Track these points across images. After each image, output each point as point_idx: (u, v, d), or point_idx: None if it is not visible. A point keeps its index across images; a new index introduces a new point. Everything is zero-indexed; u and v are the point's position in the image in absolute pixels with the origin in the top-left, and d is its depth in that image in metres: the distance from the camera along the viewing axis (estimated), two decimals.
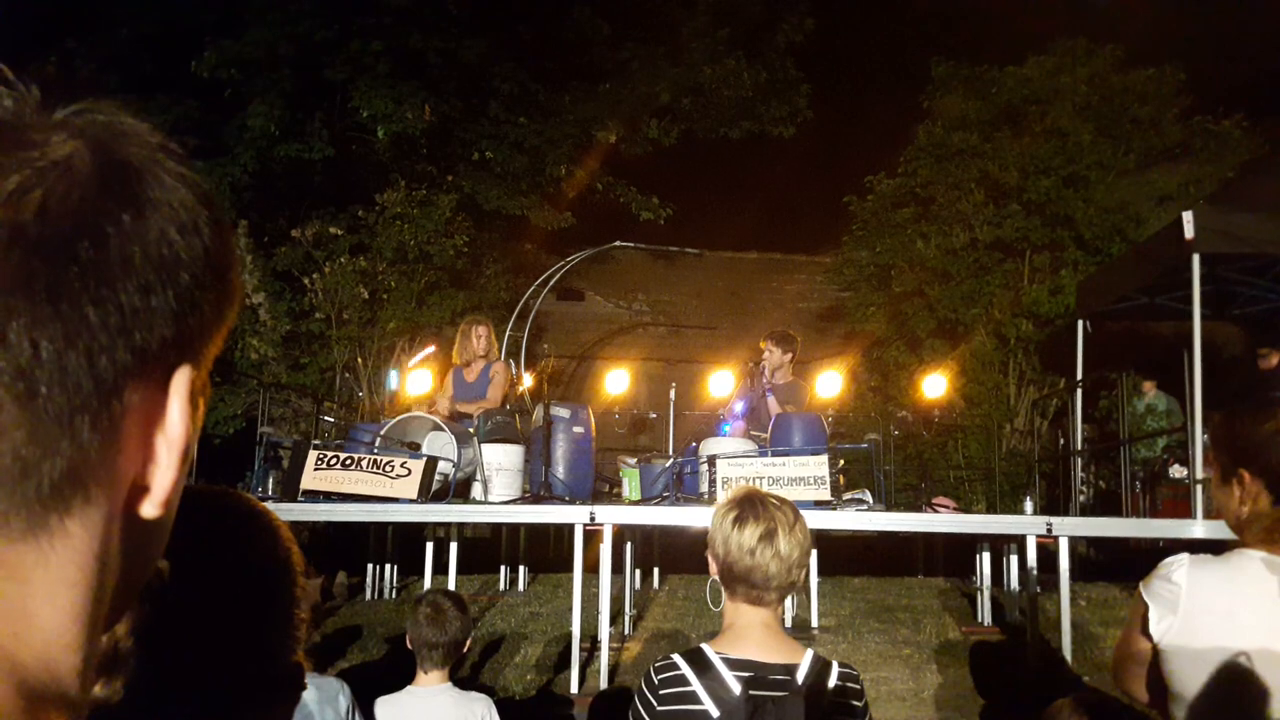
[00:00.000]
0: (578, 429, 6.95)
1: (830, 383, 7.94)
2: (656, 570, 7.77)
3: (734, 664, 1.91)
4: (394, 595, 7.45)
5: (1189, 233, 6.46)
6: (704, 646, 1.97)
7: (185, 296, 0.47)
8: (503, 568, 7.73)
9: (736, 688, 1.87)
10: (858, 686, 1.97)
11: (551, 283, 12.91)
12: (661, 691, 1.92)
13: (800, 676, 1.91)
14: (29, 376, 0.41)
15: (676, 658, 1.96)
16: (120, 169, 0.46)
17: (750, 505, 1.97)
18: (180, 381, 0.48)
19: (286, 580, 0.83)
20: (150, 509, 0.48)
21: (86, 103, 0.47)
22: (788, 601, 2.03)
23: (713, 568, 2.02)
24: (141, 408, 0.46)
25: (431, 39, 12.17)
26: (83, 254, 0.43)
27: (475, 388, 7.20)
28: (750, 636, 1.96)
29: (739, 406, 7.21)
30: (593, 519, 5.64)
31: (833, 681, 1.93)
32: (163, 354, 0.46)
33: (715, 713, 1.87)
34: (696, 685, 1.90)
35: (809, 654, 1.97)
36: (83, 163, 0.44)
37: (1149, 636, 1.83)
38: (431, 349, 8.79)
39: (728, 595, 2.01)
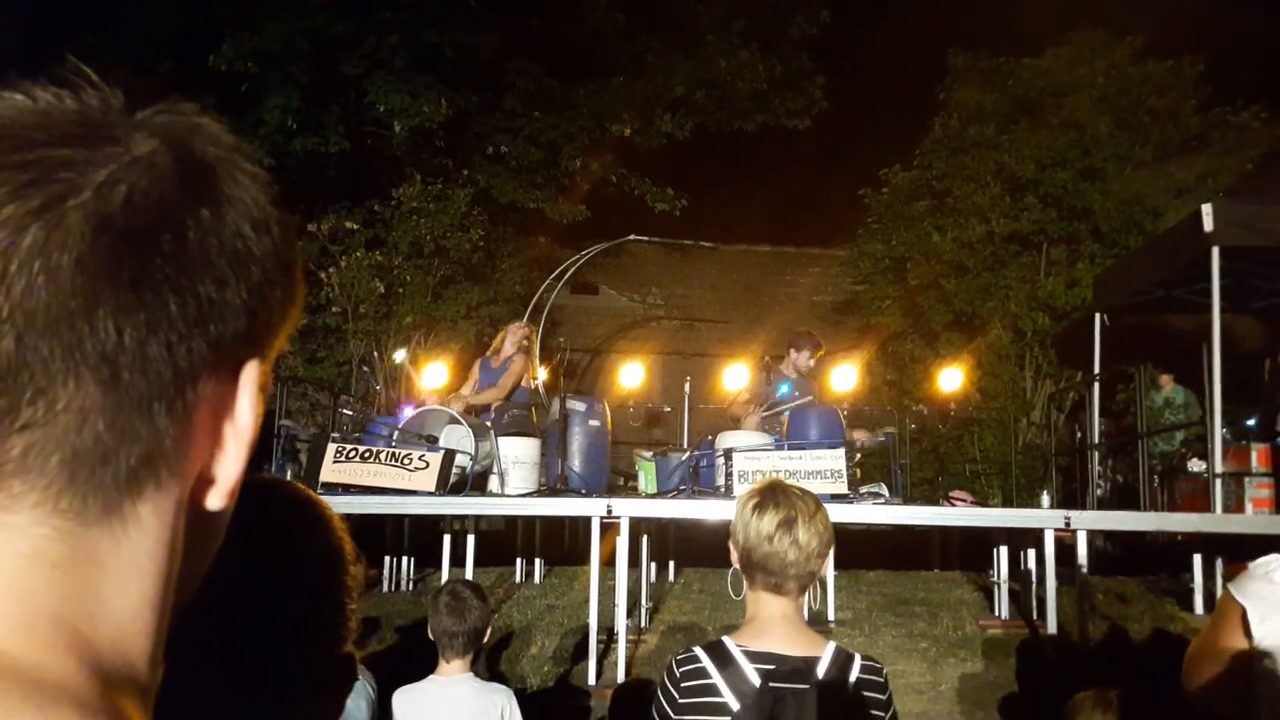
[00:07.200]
0: (594, 422, 6.97)
1: (845, 376, 7.92)
2: (672, 563, 7.78)
3: (755, 656, 1.91)
4: (411, 588, 7.49)
5: (1208, 225, 6.42)
6: (725, 639, 1.97)
7: (256, 291, 0.48)
8: (519, 560, 7.75)
9: (756, 680, 1.87)
10: (880, 679, 1.96)
11: (566, 276, 12.92)
12: (683, 684, 1.93)
13: (821, 669, 1.90)
14: (113, 362, 0.42)
15: (698, 650, 1.96)
16: (198, 166, 0.47)
17: (771, 494, 1.97)
18: (249, 374, 0.49)
19: (338, 570, 0.83)
20: (216, 499, 0.49)
21: (165, 104, 0.49)
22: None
23: (734, 556, 2.02)
24: (213, 399, 0.47)
25: (447, 34, 12.18)
26: (165, 245, 0.44)
27: (496, 375, 7.31)
28: (772, 629, 1.95)
29: (784, 387, 7.19)
30: (610, 512, 5.65)
31: (855, 675, 1.92)
32: (235, 346, 0.47)
33: (735, 705, 1.86)
34: (717, 678, 1.90)
35: (831, 646, 1.96)
36: (163, 159, 0.46)
37: (1246, 639, 1.74)
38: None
39: (749, 584, 2.01)
